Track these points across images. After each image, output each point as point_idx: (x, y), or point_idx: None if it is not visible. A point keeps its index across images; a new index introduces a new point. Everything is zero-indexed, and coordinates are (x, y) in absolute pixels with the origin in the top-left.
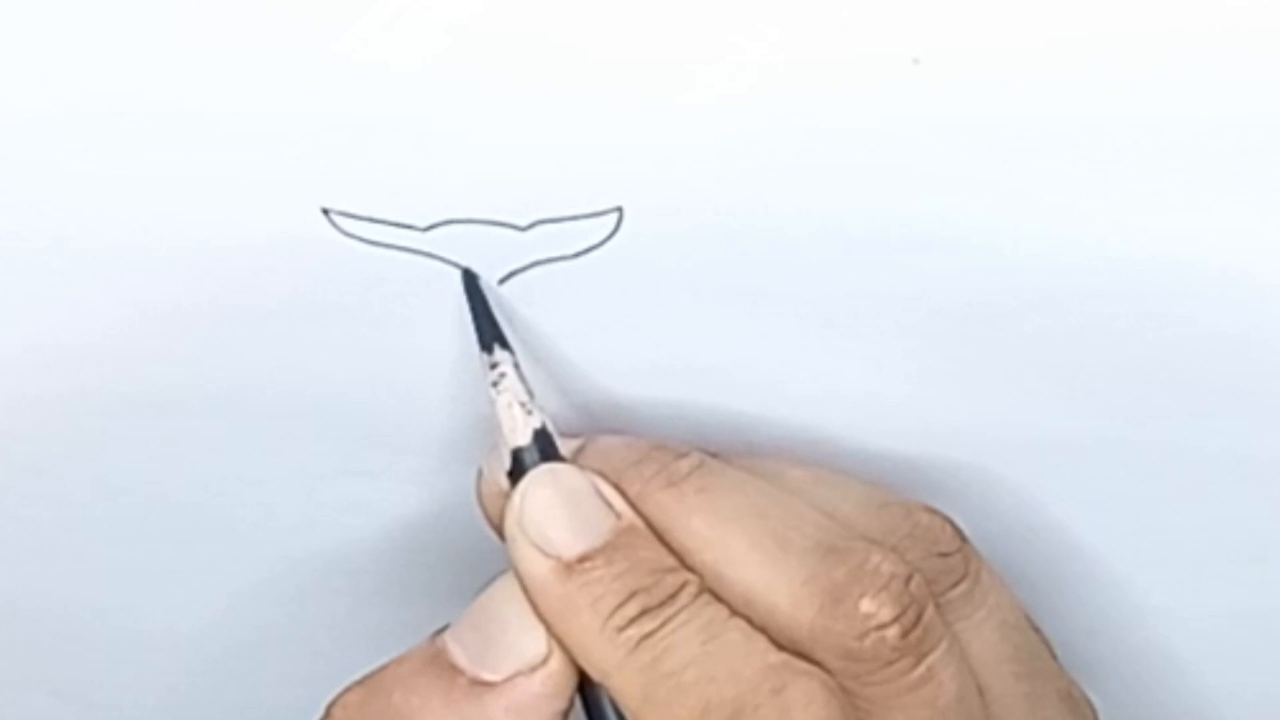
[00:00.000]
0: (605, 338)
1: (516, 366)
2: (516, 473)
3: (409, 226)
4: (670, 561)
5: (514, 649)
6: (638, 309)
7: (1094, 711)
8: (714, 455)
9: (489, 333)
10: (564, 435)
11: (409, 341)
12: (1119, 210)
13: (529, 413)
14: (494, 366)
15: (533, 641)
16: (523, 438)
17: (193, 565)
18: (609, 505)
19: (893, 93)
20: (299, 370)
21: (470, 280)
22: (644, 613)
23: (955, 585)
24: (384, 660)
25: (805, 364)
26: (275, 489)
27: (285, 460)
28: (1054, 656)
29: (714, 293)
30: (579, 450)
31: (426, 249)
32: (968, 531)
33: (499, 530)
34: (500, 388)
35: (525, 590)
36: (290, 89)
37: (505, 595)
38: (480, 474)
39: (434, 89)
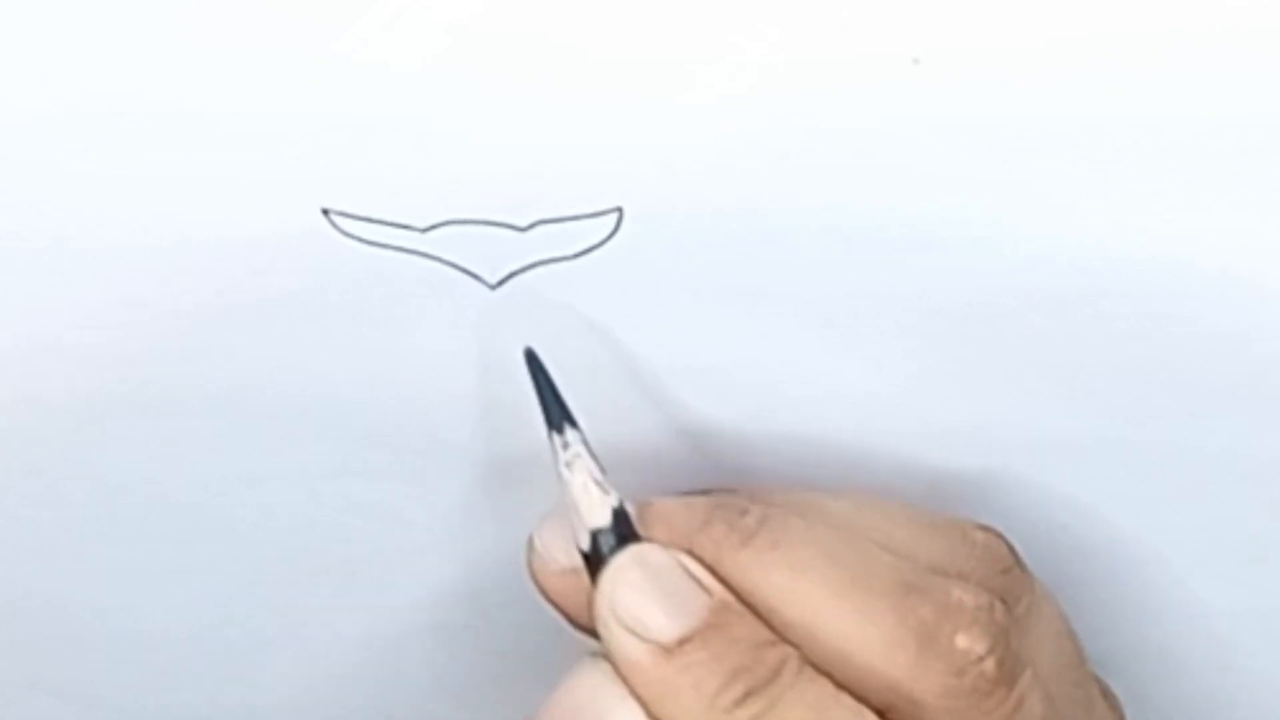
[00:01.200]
0: (605, 338)
1: (586, 444)
2: (595, 553)
3: (409, 227)
4: (768, 635)
5: None
6: (638, 309)
7: (1118, 701)
8: (753, 495)
9: (557, 411)
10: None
11: (409, 342)
12: (1119, 210)
13: (605, 492)
14: (566, 447)
15: None
16: (601, 519)
17: (193, 565)
18: (698, 583)
19: (893, 93)
20: (299, 370)
21: (533, 359)
22: (749, 694)
23: (1018, 603)
24: (383, 661)
25: (805, 364)
26: (275, 489)
27: (285, 460)
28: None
29: (714, 293)
30: (638, 518)
31: (426, 249)
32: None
33: (556, 605)
34: (575, 468)
35: (623, 676)
36: (290, 89)
37: (595, 683)
38: (532, 547)
39: (434, 89)
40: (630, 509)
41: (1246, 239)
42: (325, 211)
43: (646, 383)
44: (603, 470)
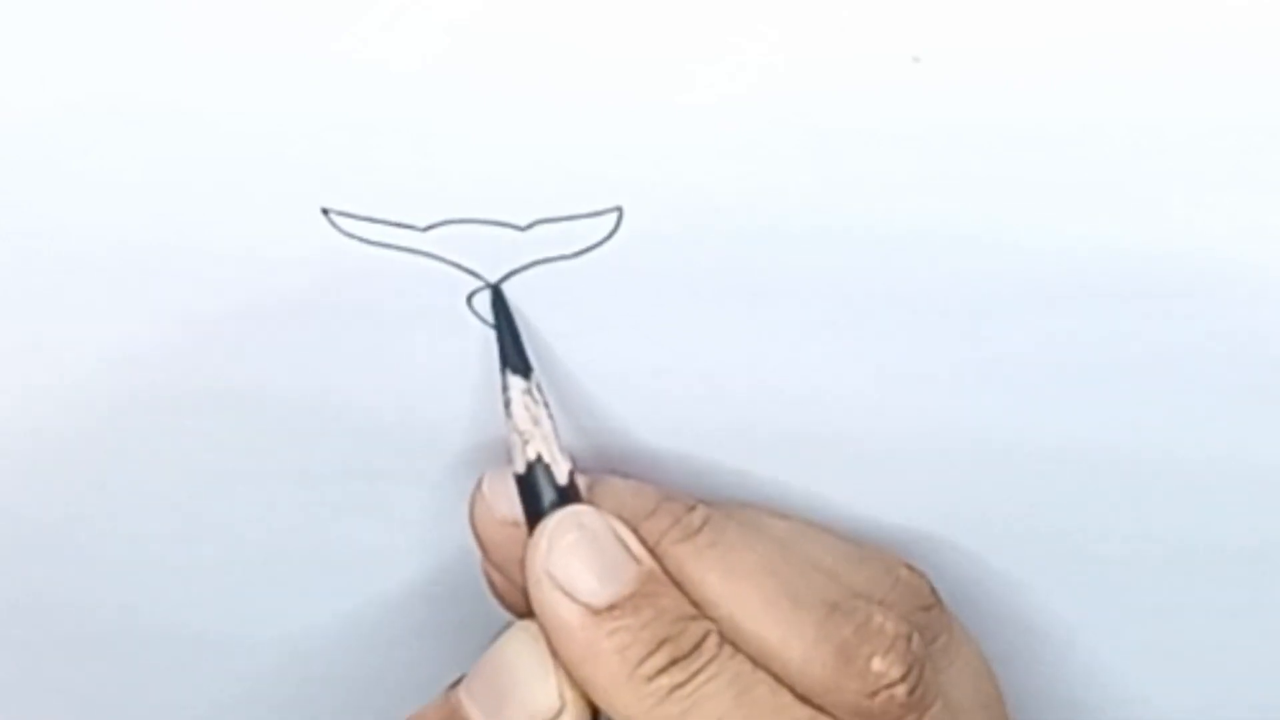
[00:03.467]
0: (605, 337)
1: (529, 393)
2: (528, 504)
3: (409, 226)
4: (691, 609)
5: (527, 702)
6: (637, 309)
7: None
8: (698, 504)
9: (509, 355)
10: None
11: (409, 341)
12: (1119, 210)
13: (525, 442)
14: (504, 390)
15: (545, 694)
16: (519, 466)
17: (193, 565)
18: (630, 551)
19: (893, 93)
20: (299, 370)
21: (500, 300)
22: (673, 662)
23: (936, 639)
24: (383, 661)
25: (805, 364)
26: (275, 489)
27: (285, 460)
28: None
29: (714, 293)
30: (588, 489)
31: (426, 249)
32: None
33: (489, 559)
34: (509, 413)
35: (548, 636)
36: (290, 89)
37: (516, 647)
38: (479, 491)
39: (434, 89)
40: (582, 481)
41: (1247, 239)
42: (325, 211)
43: (646, 382)
44: (537, 421)
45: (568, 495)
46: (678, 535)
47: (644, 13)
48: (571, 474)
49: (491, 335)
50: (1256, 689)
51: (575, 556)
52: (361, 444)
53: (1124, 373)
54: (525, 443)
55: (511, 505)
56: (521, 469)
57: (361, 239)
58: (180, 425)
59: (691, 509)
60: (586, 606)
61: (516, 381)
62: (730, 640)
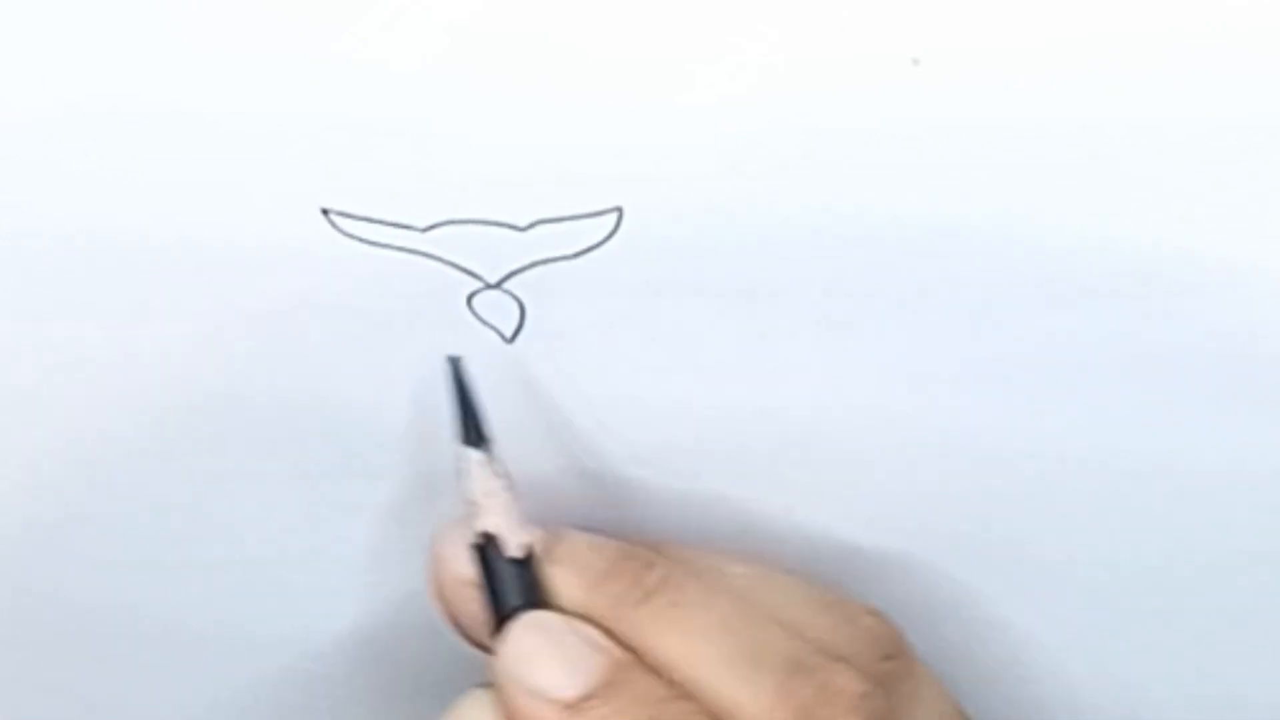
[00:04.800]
0: (604, 337)
1: (485, 465)
2: (486, 573)
3: (409, 227)
4: (666, 690)
5: None
6: (637, 309)
7: None
8: (660, 550)
9: (467, 426)
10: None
11: (409, 341)
12: (1119, 210)
13: (479, 515)
14: (458, 460)
15: None
16: (471, 537)
17: (193, 565)
18: (594, 644)
19: (893, 93)
20: (299, 370)
21: (456, 368)
22: None
23: (900, 686)
24: (383, 661)
25: (805, 364)
26: (275, 489)
27: (285, 460)
28: None
29: (714, 293)
30: (546, 551)
31: (426, 249)
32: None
33: (451, 615)
34: (462, 485)
35: None
36: (290, 89)
37: (476, 717)
38: (434, 554)
39: (434, 89)
40: (538, 536)
41: (1247, 238)
42: (325, 211)
43: (645, 382)
44: (492, 490)
45: (523, 569)
46: (636, 598)
47: (644, 13)
48: (529, 548)
49: (493, 335)
50: (1255, 693)
51: (540, 657)
52: (361, 444)
53: (1124, 373)
54: (478, 516)
55: (466, 565)
56: (476, 540)
57: (361, 239)
58: (180, 425)
59: (650, 566)
60: (560, 702)
61: (474, 454)
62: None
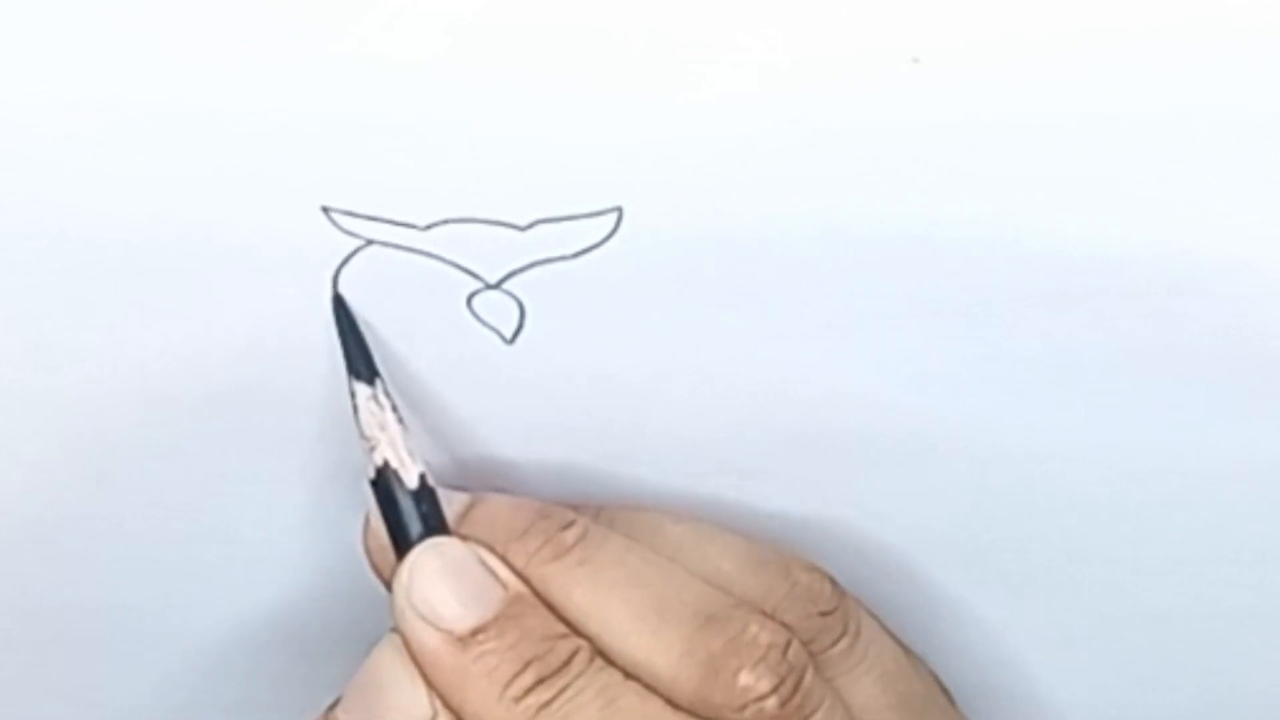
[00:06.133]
0: (604, 337)
1: (373, 399)
2: (385, 510)
3: (409, 225)
4: (560, 629)
5: (397, 713)
6: (637, 309)
7: None
8: (600, 511)
9: (353, 361)
10: (458, 486)
11: (409, 341)
12: (1119, 209)
13: (371, 449)
14: (351, 396)
15: (415, 704)
16: (369, 472)
17: (193, 565)
18: (495, 576)
19: (893, 93)
20: (299, 369)
21: (340, 305)
22: (540, 681)
23: (835, 643)
24: None
25: (805, 364)
26: (275, 489)
27: (285, 460)
28: (949, 699)
29: (714, 293)
30: (465, 511)
31: (426, 248)
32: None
33: (385, 584)
34: (356, 419)
35: (417, 663)
36: (291, 87)
37: (384, 660)
38: (367, 524)
39: (434, 88)
40: (461, 499)
41: (1247, 237)
42: (325, 209)
43: (646, 382)
44: (385, 428)
45: (420, 498)
46: (548, 554)
47: (644, 12)
48: (423, 477)
49: (493, 335)
50: (1255, 693)
51: (438, 585)
52: (361, 443)
53: (1124, 373)
54: (372, 449)
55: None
56: (371, 474)
57: (361, 238)
58: (180, 424)
59: (567, 526)
60: (450, 633)
61: (361, 388)
62: (604, 657)
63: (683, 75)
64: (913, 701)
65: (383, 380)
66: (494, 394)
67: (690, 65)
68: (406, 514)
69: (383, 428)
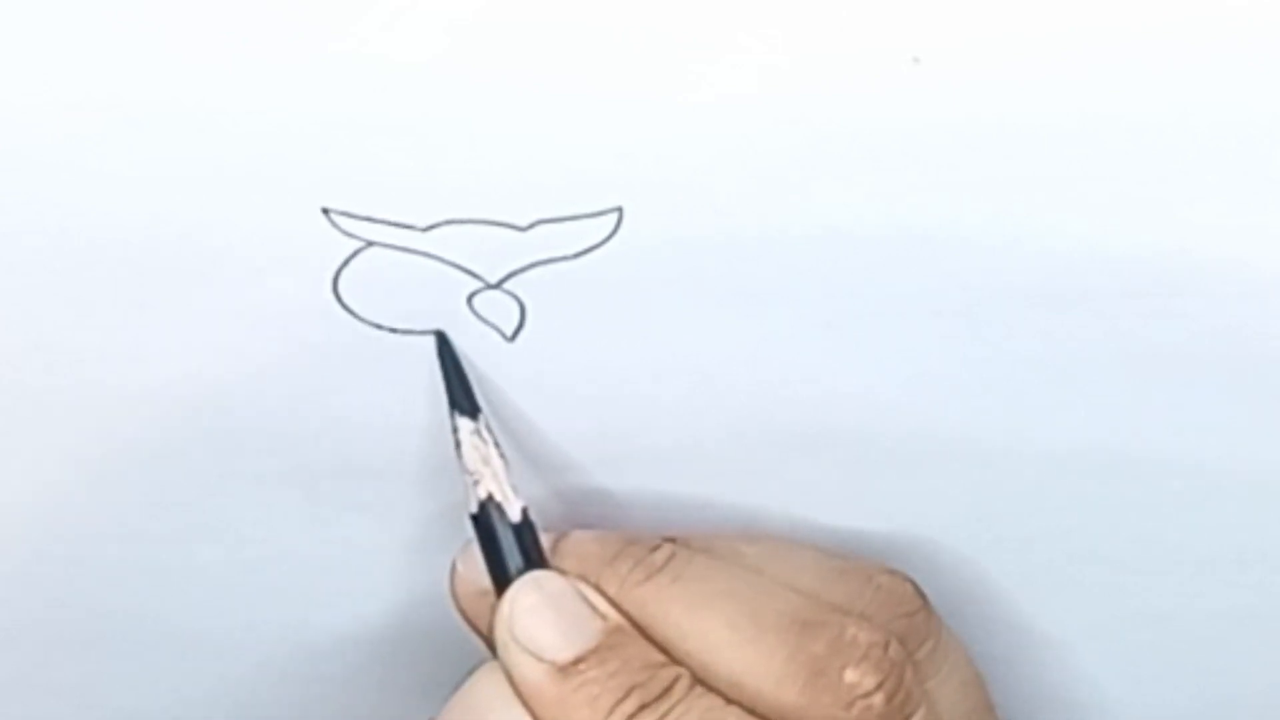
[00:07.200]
0: (604, 337)
1: (476, 434)
2: (485, 544)
3: (409, 226)
4: (659, 658)
5: None
6: (637, 309)
7: None
8: (675, 540)
9: (456, 396)
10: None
11: (409, 341)
12: (1119, 209)
13: (475, 483)
14: (454, 431)
15: None
16: (472, 506)
17: (193, 565)
18: (594, 609)
19: (893, 92)
20: (299, 370)
21: (444, 343)
22: (642, 707)
23: (921, 645)
24: (384, 661)
25: (805, 364)
26: (275, 489)
27: (285, 460)
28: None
29: (714, 293)
30: (553, 545)
31: (426, 249)
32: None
33: (473, 627)
34: (459, 454)
35: (520, 694)
36: (291, 88)
37: (485, 687)
38: (455, 570)
39: (434, 89)
40: (546, 538)
41: (1247, 237)
42: (325, 210)
43: (646, 382)
44: (484, 463)
45: (522, 532)
46: (640, 576)
47: (644, 12)
48: (525, 511)
49: (493, 335)
50: (1255, 693)
51: (538, 617)
52: (361, 444)
53: (1124, 373)
54: (476, 483)
55: (482, 575)
56: (474, 509)
57: (361, 239)
58: (180, 425)
59: (655, 548)
60: (552, 664)
61: (465, 423)
62: (703, 679)
63: (683, 75)
64: (982, 709)
65: (485, 415)
66: (494, 394)
67: (690, 65)
68: (507, 548)
69: (486, 462)
